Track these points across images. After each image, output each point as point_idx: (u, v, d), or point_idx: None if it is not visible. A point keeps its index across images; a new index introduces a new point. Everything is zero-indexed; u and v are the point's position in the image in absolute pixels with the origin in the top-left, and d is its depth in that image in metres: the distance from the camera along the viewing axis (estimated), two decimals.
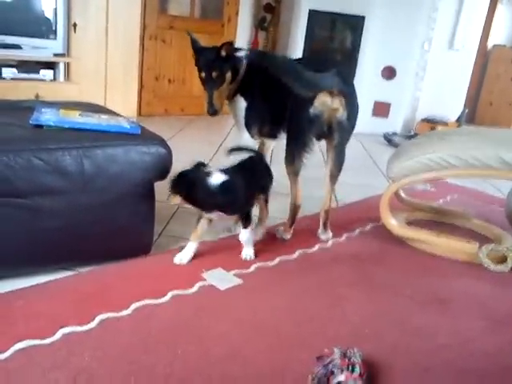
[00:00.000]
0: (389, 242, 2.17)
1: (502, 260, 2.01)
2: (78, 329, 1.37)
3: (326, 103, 1.93)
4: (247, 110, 2.22)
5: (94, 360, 1.26)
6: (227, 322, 1.48)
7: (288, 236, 2.15)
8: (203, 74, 2.11)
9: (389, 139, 4.44)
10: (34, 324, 1.37)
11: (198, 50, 2.16)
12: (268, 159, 2.66)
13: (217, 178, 1.76)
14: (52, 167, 1.55)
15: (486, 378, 1.33)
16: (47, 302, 1.49)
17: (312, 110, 1.93)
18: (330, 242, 2.13)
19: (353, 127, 2.08)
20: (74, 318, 1.41)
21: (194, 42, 2.16)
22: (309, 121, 1.95)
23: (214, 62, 2.09)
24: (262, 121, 2.23)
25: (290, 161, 2.05)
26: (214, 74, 2.09)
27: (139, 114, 4.44)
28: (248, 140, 2.33)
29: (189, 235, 2.06)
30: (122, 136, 1.74)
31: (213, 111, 2.14)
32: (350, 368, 1.23)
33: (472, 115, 6.09)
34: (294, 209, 2.12)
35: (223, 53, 2.08)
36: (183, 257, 1.83)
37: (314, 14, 4.68)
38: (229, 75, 2.13)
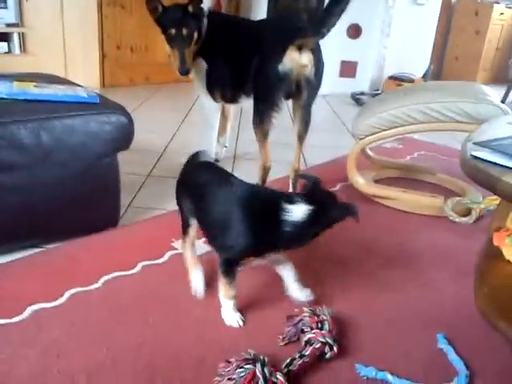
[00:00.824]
0: (357, 200, 2.19)
1: (467, 212, 2.06)
2: (47, 305, 1.35)
3: (294, 59, 1.91)
4: (208, 72, 2.19)
5: (65, 334, 1.25)
6: None
7: None
8: (173, 31, 2.06)
9: (356, 99, 4.43)
10: (1, 304, 1.35)
11: (163, 8, 2.10)
12: (231, 124, 2.65)
13: (301, 209, 1.26)
14: (7, 141, 1.50)
15: (452, 327, 1.37)
16: (14, 281, 1.46)
17: (281, 67, 1.90)
18: None
19: (319, 84, 2.07)
20: (42, 295, 1.39)
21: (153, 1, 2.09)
22: (278, 78, 1.92)
23: (183, 19, 2.06)
24: (224, 84, 2.20)
25: (258, 122, 2.03)
26: (184, 31, 2.06)
27: (103, 85, 4.31)
28: (210, 104, 2.31)
29: (157, 205, 2.05)
30: (80, 106, 1.68)
31: (185, 70, 2.11)
32: (320, 325, 1.25)
33: (439, 71, 6.11)
34: (264, 171, 2.12)
35: (191, 9, 2.06)
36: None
37: None
38: (196, 34, 2.10)
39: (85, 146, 1.65)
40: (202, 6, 2.17)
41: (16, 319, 1.29)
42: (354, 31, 4.73)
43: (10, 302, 1.36)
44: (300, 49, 1.90)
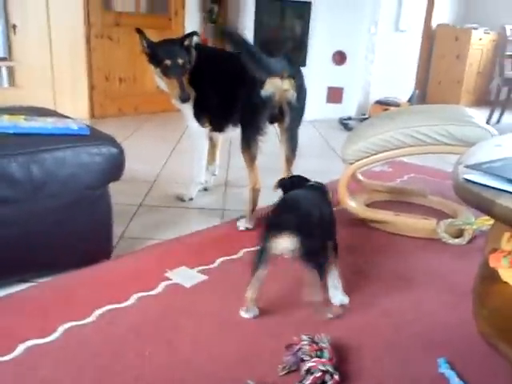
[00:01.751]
0: (350, 224, 2.19)
1: (459, 234, 2.07)
2: (40, 341, 1.32)
3: (276, 84, 1.97)
4: (196, 99, 2.27)
5: (59, 370, 1.22)
6: (194, 319, 1.46)
7: (252, 224, 2.14)
8: (168, 62, 2.17)
9: (344, 124, 4.49)
10: None
11: (154, 44, 2.23)
12: (218, 154, 2.67)
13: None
14: None
15: (451, 348, 1.36)
16: (5, 317, 1.43)
17: (263, 92, 1.97)
18: None
19: (302, 108, 2.14)
20: (35, 331, 1.36)
21: (145, 39, 2.22)
22: (261, 103, 1.99)
23: (179, 51, 2.19)
24: (211, 112, 2.29)
25: (245, 147, 2.09)
26: (180, 61, 2.17)
27: (92, 116, 4.32)
28: (198, 130, 2.36)
29: (150, 235, 2.04)
30: (70, 138, 1.68)
31: (186, 96, 2.19)
32: (319, 353, 1.24)
33: (423, 95, 6.23)
34: (254, 192, 2.14)
35: (187, 43, 2.21)
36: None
37: (261, 3, 4.65)
38: (188, 64, 2.21)
39: (76, 178, 1.64)
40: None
41: (8, 357, 1.25)
42: (339, 58, 4.82)
43: (1, 339, 1.32)
44: (281, 76, 1.98)
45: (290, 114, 2.06)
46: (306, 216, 1.36)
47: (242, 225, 2.14)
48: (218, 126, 2.34)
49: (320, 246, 1.38)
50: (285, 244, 1.32)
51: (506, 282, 1.22)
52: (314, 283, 1.34)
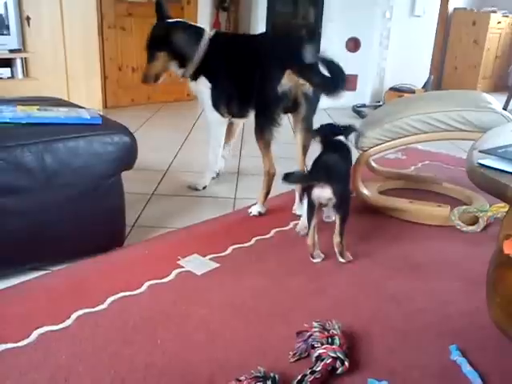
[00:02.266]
0: (363, 212, 2.18)
1: (474, 221, 2.04)
2: (54, 328, 1.34)
3: (293, 79, 1.95)
4: (213, 90, 2.24)
5: (72, 357, 1.24)
6: (206, 307, 1.47)
7: (264, 209, 2.15)
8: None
9: (358, 111, 4.44)
10: (7, 327, 1.34)
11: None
12: (236, 138, 2.66)
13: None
14: (12, 165, 1.50)
15: (463, 338, 1.35)
16: (20, 304, 1.45)
17: (280, 88, 1.96)
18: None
19: (318, 99, 2.10)
20: (49, 318, 1.38)
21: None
22: (277, 97, 1.98)
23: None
24: (230, 100, 2.26)
25: (259, 134, 2.09)
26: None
27: (105, 106, 4.34)
28: (217, 120, 2.34)
29: (162, 224, 2.05)
30: (83, 128, 1.69)
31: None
32: (330, 340, 1.23)
33: (439, 81, 6.14)
34: (269, 176, 2.14)
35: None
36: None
37: None
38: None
39: (89, 168, 1.65)
40: (202, 25, 2.26)
41: (23, 343, 1.27)
42: (353, 45, 4.76)
43: (16, 325, 1.35)
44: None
45: (306, 106, 2.05)
46: (340, 173, 1.75)
47: (255, 210, 2.15)
48: (238, 112, 2.31)
49: (348, 196, 1.78)
50: (326, 194, 1.66)
51: None
52: (339, 229, 1.72)
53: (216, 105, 2.30)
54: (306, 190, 1.74)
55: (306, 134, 2.12)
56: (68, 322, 1.37)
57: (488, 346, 1.32)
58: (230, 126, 2.54)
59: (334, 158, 1.79)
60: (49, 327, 1.34)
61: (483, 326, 1.32)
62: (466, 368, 1.21)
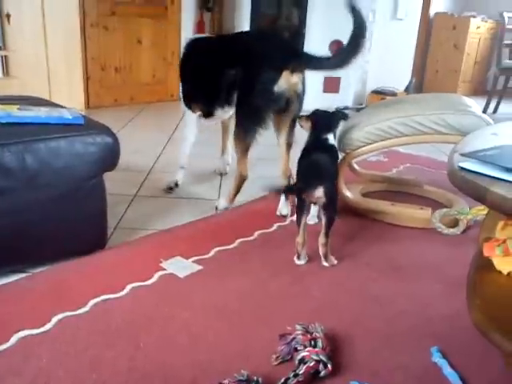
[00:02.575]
0: (345, 214, 2.19)
1: (454, 223, 2.07)
2: (34, 331, 1.32)
3: (288, 80, 1.98)
4: (184, 87, 2.40)
5: (53, 361, 1.22)
6: (189, 310, 1.46)
7: (229, 205, 2.20)
8: None
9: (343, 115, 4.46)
10: None
11: None
12: (229, 142, 2.67)
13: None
14: None
15: (444, 340, 1.36)
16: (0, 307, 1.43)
17: (276, 88, 1.96)
18: (287, 220, 2.13)
19: (303, 97, 2.14)
20: (29, 321, 1.36)
21: None
22: (272, 98, 1.98)
23: None
24: (199, 98, 2.33)
25: (242, 136, 2.07)
26: None
27: (87, 106, 4.29)
28: (188, 115, 2.40)
29: (145, 225, 2.04)
30: (64, 128, 1.67)
31: None
32: (313, 343, 1.24)
33: (420, 84, 6.21)
34: (240, 179, 2.15)
35: None
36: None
37: None
38: None
39: (70, 168, 1.63)
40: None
41: (2, 347, 1.25)
42: (336, 47, 4.78)
43: None
44: (291, 70, 1.97)
45: (297, 105, 2.07)
46: (331, 173, 1.79)
47: (222, 205, 2.20)
48: (206, 110, 2.33)
49: (336, 196, 1.80)
50: (318, 193, 1.67)
51: (499, 271, 1.22)
52: (325, 230, 1.73)
53: (186, 102, 2.37)
54: (299, 188, 1.75)
55: (291, 132, 2.14)
56: (49, 326, 1.35)
57: (469, 348, 1.34)
58: (227, 131, 2.61)
59: (324, 158, 1.80)
60: (29, 331, 1.32)
61: (464, 328, 1.34)
62: (447, 370, 1.23)
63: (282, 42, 2.20)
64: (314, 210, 1.99)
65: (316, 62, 2.03)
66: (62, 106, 1.95)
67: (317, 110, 1.96)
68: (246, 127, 2.04)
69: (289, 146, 2.17)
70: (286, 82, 1.96)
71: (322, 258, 1.76)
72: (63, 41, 3.95)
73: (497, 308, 1.15)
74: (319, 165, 1.77)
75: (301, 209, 1.75)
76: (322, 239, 1.74)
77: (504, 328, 1.08)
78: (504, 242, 1.27)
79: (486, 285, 1.21)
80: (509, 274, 1.25)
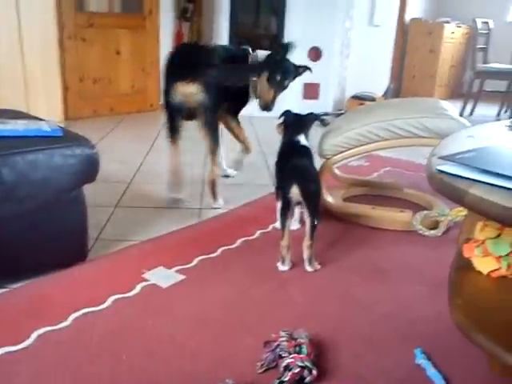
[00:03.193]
0: (327, 218, 2.20)
1: (435, 225, 2.09)
2: (13, 348, 1.29)
3: (181, 91, 2.16)
4: None
5: (33, 378, 1.19)
6: (172, 320, 1.45)
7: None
8: None
9: (321, 120, 4.50)
10: None
11: None
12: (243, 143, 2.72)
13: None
14: None
15: (427, 342, 1.37)
16: None
17: (172, 100, 2.21)
18: (270, 227, 2.13)
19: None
20: (7, 338, 1.33)
21: None
22: (172, 108, 2.25)
23: None
24: None
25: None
26: None
27: (66, 117, 4.24)
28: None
29: (126, 236, 2.01)
30: (42, 140, 1.64)
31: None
32: (298, 349, 1.23)
33: (398, 89, 6.29)
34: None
35: None
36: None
37: (236, 0, 4.64)
38: None
39: (49, 181, 1.61)
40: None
41: None
42: (315, 54, 4.83)
43: None
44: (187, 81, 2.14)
45: (202, 113, 2.20)
46: (313, 173, 1.82)
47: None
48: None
49: (320, 198, 1.82)
50: (294, 190, 1.68)
51: (479, 272, 1.23)
52: (310, 232, 1.72)
53: None
54: (281, 189, 1.77)
55: (208, 138, 2.25)
56: (28, 342, 1.32)
57: (451, 349, 1.35)
58: (232, 130, 2.66)
59: (296, 158, 1.82)
60: (7, 348, 1.29)
61: (447, 330, 1.34)
62: (431, 371, 1.23)
63: (187, 57, 2.28)
64: (296, 214, 1.99)
65: (206, 74, 2.15)
66: (40, 119, 1.92)
67: (287, 110, 1.98)
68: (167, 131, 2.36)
69: (210, 151, 2.29)
70: (179, 93, 2.16)
71: (306, 263, 1.76)
72: (40, 52, 3.91)
73: (478, 309, 1.16)
74: (292, 165, 1.78)
75: (284, 211, 1.74)
76: (306, 241, 1.73)
77: (485, 329, 1.09)
78: (483, 242, 1.29)
79: (466, 285, 1.23)
80: (488, 274, 1.27)
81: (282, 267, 1.77)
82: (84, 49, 4.30)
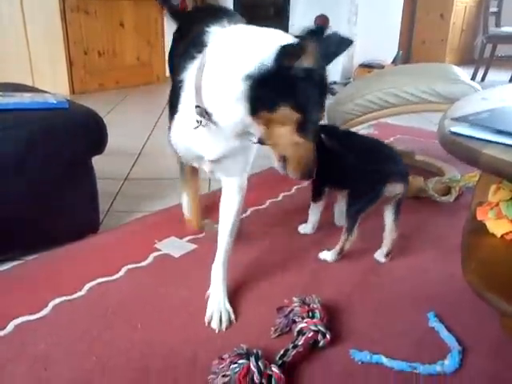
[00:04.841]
0: None
1: (447, 191, 2.07)
2: (31, 318, 1.31)
3: None
4: None
5: (51, 346, 1.21)
6: (185, 289, 1.46)
7: None
8: None
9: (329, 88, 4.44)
10: None
11: None
12: None
13: None
14: None
15: (440, 305, 1.37)
16: None
17: None
18: (280, 196, 2.12)
19: None
20: (25, 308, 1.34)
21: None
22: None
23: None
24: None
25: None
26: None
27: (72, 92, 4.23)
28: None
29: (137, 208, 2.02)
30: (49, 112, 1.64)
31: None
32: (311, 314, 1.24)
33: (407, 55, 6.17)
34: None
35: None
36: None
37: None
38: None
39: (57, 153, 1.60)
40: None
41: None
42: (321, 22, 4.73)
43: None
44: None
45: None
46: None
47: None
48: None
49: None
50: (399, 188, 1.55)
51: (493, 234, 1.23)
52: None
53: None
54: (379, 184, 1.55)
55: None
56: (45, 311, 1.34)
57: (464, 311, 1.35)
58: None
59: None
60: (25, 317, 1.31)
61: (459, 292, 1.35)
62: (444, 333, 1.24)
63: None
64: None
65: None
66: (44, 92, 1.91)
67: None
68: None
69: None
70: None
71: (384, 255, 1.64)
72: (43, 26, 3.88)
73: (491, 270, 1.15)
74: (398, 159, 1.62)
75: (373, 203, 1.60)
76: (394, 234, 1.62)
77: (498, 287, 1.08)
78: (497, 205, 1.27)
79: (479, 247, 1.22)
80: (502, 236, 1.26)
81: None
82: (87, 21, 4.25)
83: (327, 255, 1.63)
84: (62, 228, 1.69)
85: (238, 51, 1.09)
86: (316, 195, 1.75)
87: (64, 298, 1.40)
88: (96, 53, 4.40)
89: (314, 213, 1.79)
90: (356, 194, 1.57)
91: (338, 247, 1.61)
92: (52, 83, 3.89)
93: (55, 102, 1.70)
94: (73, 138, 1.62)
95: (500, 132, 1.03)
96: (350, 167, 1.56)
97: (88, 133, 1.65)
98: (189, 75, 1.20)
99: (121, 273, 1.53)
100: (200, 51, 1.16)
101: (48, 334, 1.26)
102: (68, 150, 1.62)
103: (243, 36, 1.13)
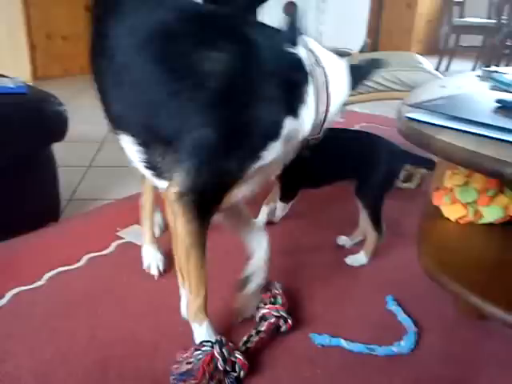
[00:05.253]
0: None
1: (409, 178, 2.11)
2: None
3: None
4: None
5: (9, 337, 1.19)
6: (148, 278, 1.45)
7: None
8: None
9: None
10: None
11: None
12: None
13: None
14: None
15: (398, 289, 1.41)
16: None
17: None
18: None
19: None
20: None
21: None
22: None
23: None
24: None
25: None
26: None
27: (35, 77, 4.11)
28: None
29: (100, 196, 1.99)
30: (6, 97, 1.59)
31: None
32: (273, 300, 1.25)
33: (375, 44, 6.21)
34: None
35: None
36: None
37: None
38: None
39: (15, 139, 1.56)
40: None
41: None
42: (290, 8, 4.72)
43: None
44: None
45: None
46: None
47: None
48: None
49: None
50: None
51: (447, 218, 1.26)
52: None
53: None
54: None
55: None
56: (3, 301, 1.32)
57: (421, 294, 1.39)
58: None
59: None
60: None
61: (417, 275, 1.38)
62: (401, 316, 1.27)
63: None
64: None
65: None
66: (3, 76, 1.85)
67: None
68: None
69: None
70: None
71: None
72: (4, 10, 3.74)
73: (445, 254, 1.19)
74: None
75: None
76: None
77: (452, 271, 1.12)
78: (451, 190, 1.31)
79: (435, 232, 1.26)
80: (456, 220, 1.30)
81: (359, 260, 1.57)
82: (50, 4, 4.13)
83: (361, 259, 1.55)
84: (21, 217, 1.66)
85: None
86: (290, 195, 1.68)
87: (23, 287, 1.38)
88: (60, 37, 4.28)
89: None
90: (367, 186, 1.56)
91: (369, 248, 1.55)
92: (13, 67, 3.75)
93: (13, 86, 1.65)
94: (31, 124, 1.58)
95: (454, 118, 1.05)
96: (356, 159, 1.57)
97: (48, 119, 1.61)
98: None
99: (82, 262, 1.51)
100: None
101: (6, 324, 1.24)
102: (26, 137, 1.58)
103: None
